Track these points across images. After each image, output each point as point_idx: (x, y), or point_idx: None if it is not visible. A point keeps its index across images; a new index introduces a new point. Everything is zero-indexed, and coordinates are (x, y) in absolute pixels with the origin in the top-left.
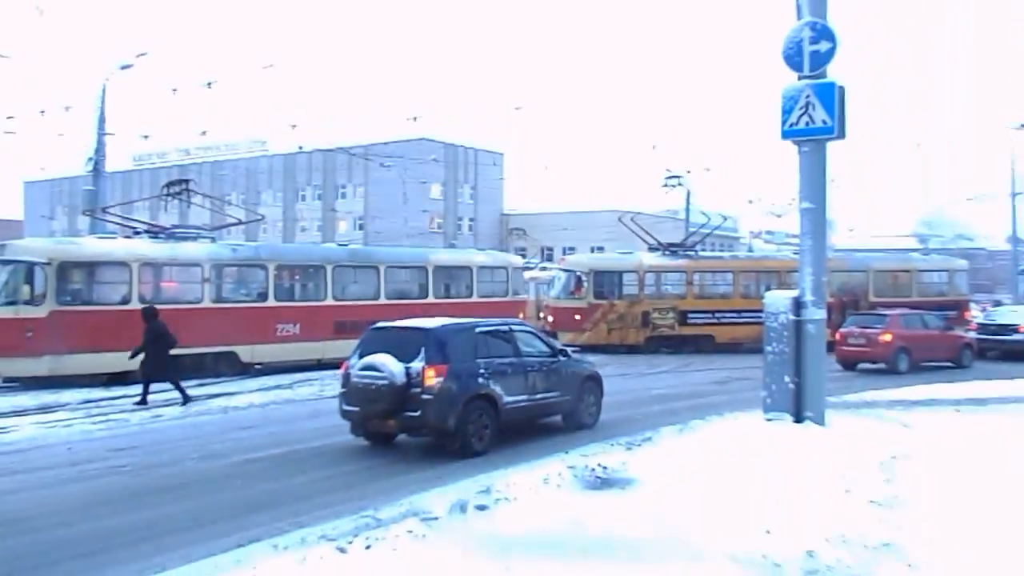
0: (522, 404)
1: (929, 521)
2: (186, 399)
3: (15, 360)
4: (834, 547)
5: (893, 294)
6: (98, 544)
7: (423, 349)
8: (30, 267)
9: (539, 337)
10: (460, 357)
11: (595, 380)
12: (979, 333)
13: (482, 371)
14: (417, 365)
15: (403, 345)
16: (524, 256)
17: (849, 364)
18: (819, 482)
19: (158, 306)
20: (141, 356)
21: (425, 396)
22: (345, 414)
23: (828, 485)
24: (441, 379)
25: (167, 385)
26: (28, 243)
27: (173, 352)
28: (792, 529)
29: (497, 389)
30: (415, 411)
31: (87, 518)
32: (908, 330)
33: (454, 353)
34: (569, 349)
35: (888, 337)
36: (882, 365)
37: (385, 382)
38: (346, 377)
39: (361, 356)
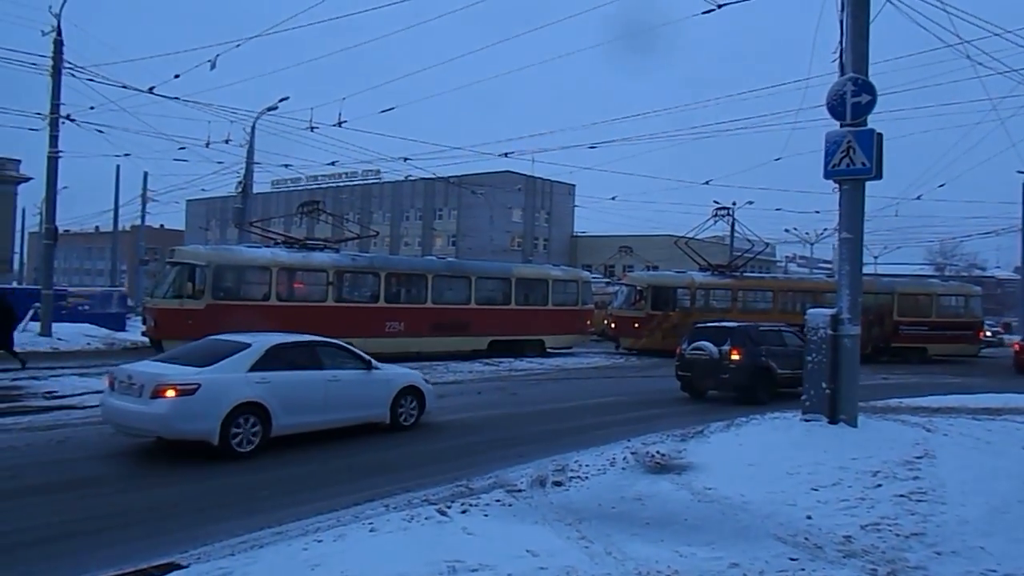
0: (788, 375)
1: (952, 513)
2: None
3: (178, 342)
4: (868, 534)
5: (915, 315)
6: (247, 494)
7: (729, 338)
8: (193, 268)
9: (796, 336)
10: (750, 344)
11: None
12: None
13: (763, 353)
14: (725, 348)
15: (716, 335)
16: (590, 272)
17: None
18: (853, 476)
19: (291, 304)
20: None
21: (731, 366)
22: (680, 377)
23: (861, 479)
24: (739, 356)
25: None
26: (192, 249)
27: None
28: (830, 516)
29: (773, 364)
30: (724, 375)
31: (236, 473)
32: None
33: (746, 341)
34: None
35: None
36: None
37: (707, 356)
38: (681, 355)
39: (690, 342)
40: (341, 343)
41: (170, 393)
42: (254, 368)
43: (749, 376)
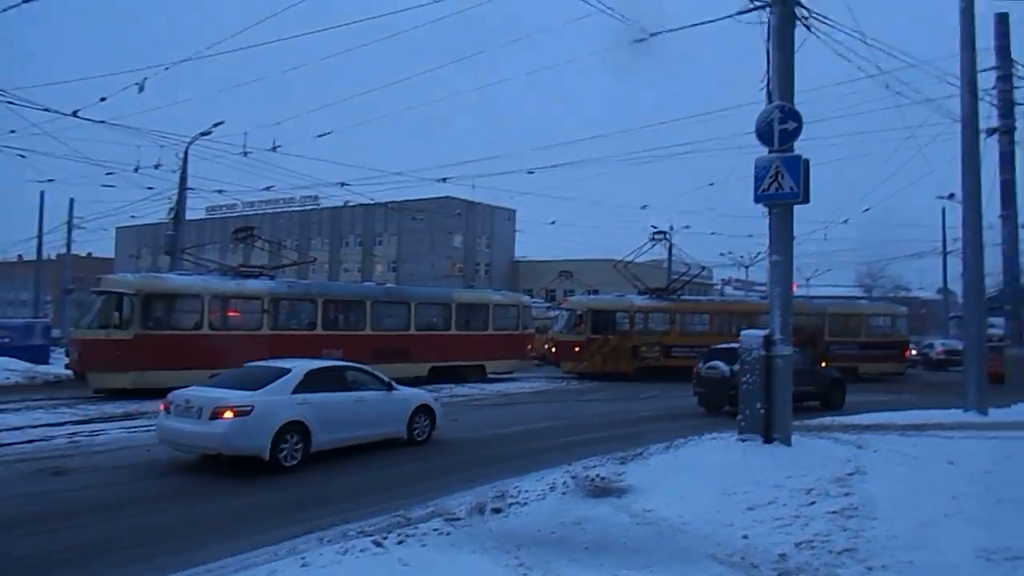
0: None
1: (882, 528)
2: None
3: (105, 375)
4: (802, 551)
5: (845, 335)
6: (175, 532)
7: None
8: (120, 297)
9: (800, 354)
10: None
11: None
12: None
13: None
14: (736, 367)
15: (727, 356)
16: (531, 296)
17: None
18: (788, 494)
19: (225, 332)
20: None
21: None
22: (696, 393)
23: (795, 497)
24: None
25: None
26: (119, 277)
27: None
28: (765, 535)
29: None
30: (734, 391)
31: (165, 509)
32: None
33: None
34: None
35: None
36: None
37: (719, 375)
38: (697, 373)
39: (705, 362)
40: (365, 367)
41: (228, 414)
42: (296, 391)
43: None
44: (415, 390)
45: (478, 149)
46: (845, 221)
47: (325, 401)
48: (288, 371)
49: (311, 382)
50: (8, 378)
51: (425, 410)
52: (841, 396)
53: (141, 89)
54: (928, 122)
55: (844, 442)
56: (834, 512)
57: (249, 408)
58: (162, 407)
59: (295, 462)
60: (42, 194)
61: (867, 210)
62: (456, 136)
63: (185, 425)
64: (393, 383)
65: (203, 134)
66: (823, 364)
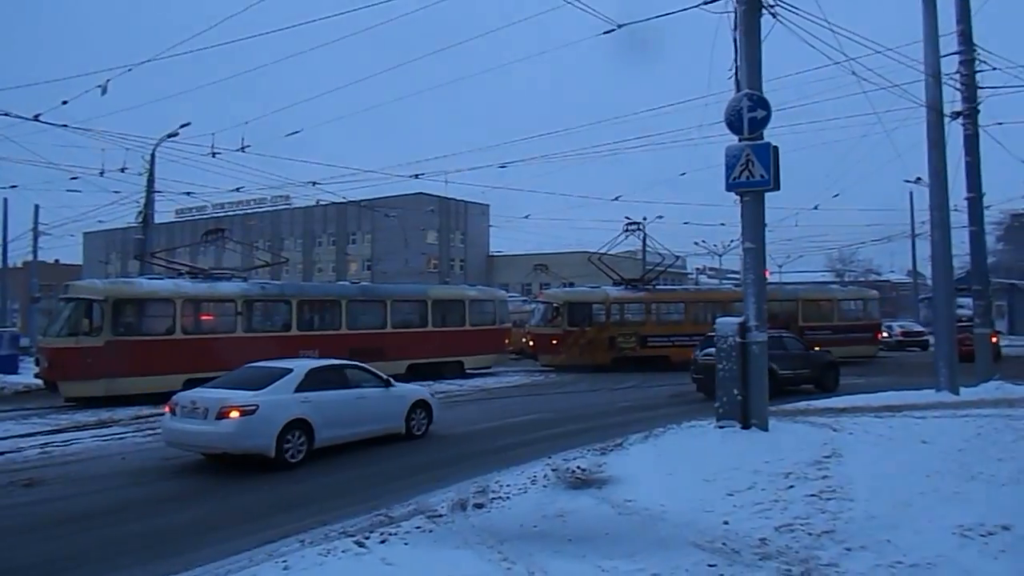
0: (788, 375)
1: (860, 509)
2: None
3: (76, 383)
4: (782, 535)
5: (818, 319)
6: (150, 539)
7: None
8: (89, 303)
9: (797, 340)
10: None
11: None
12: None
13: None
14: None
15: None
16: (507, 291)
17: None
18: (766, 478)
19: (198, 336)
20: None
21: (718, 371)
22: (694, 380)
23: (774, 481)
24: None
25: None
26: (87, 283)
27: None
28: (746, 520)
29: (775, 366)
30: None
31: (141, 518)
32: None
33: None
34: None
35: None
36: None
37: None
38: (695, 360)
39: (702, 349)
40: (363, 365)
41: (234, 414)
42: (298, 389)
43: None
44: (412, 386)
45: (449, 145)
46: (815, 207)
47: (327, 399)
48: (290, 370)
49: (312, 381)
50: None
51: (422, 405)
52: (835, 378)
53: (104, 91)
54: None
55: (820, 425)
56: (813, 495)
57: (254, 407)
58: (167, 409)
59: (299, 459)
60: (5, 200)
61: (836, 196)
62: (426, 133)
63: (192, 426)
64: (391, 380)
65: (170, 136)
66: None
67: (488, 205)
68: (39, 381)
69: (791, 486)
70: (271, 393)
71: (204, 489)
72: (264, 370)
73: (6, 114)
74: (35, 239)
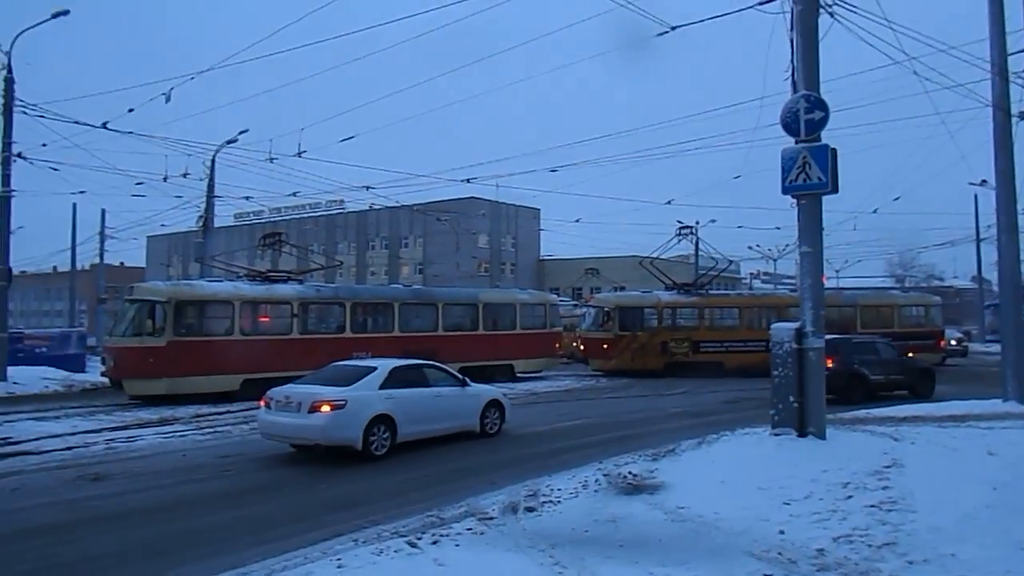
0: (881, 380)
1: (923, 521)
2: None
3: (139, 381)
4: (840, 546)
5: (877, 326)
6: (209, 535)
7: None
8: (152, 305)
9: (891, 347)
10: (842, 353)
11: None
12: None
13: (856, 361)
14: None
15: None
16: (558, 295)
17: None
18: (824, 488)
19: (255, 337)
20: None
21: (825, 372)
22: None
23: (832, 491)
24: (832, 363)
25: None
26: (150, 286)
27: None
28: (803, 530)
29: (866, 371)
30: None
31: (200, 513)
32: None
33: (839, 350)
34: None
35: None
36: None
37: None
38: None
39: None
40: (440, 365)
41: (325, 408)
42: (382, 386)
43: (843, 380)
44: (487, 386)
45: (500, 149)
46: (875, 211)
47: (408, 396)
48: (374, 369)
49: (395, 379)
50: (47, 387)
51: (496, 405)
52: (931, 385)
53: (168, 99)
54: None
55: (880, 435)
56: (872, 506)
57: (343, 402)
58: (262, 403)
59: (384, 451)
60: (74, 206)
61: (897, 199)
62: (478, 137)
63: (286, 419)
64: (467, 380)
65: (229, 142)
66: None
67: (539, 209)
68: (105, 379)
69: (850, 496)
70: (358, 389)
71: (261, 487)
72: (350, 368)
73: (75, 122)
74: (102, 242)
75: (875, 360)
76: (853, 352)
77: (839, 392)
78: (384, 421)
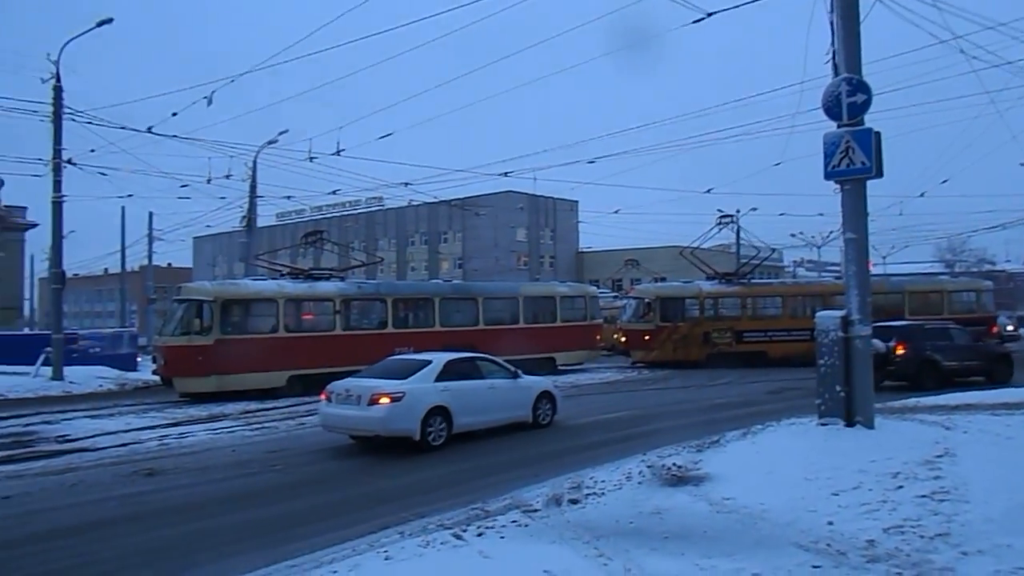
0: (954, 366)
1: (977, 512)
2: None
3: (189, 379)
4: (891, 537)
5: (927, 313)
6: (257, 528)
7: (895, 335)
8: (199, 304)
9: (965, 332)
10: (914, 339)
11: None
12: None
13: (927, 348)
14: (891, 343)
15: (884, 333)
16: (597, 287)
17: None
18: (873, 478)
19: (299, 334)
20: None
21: (897, 359)
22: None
23: (881, 481)
24: (904, 350)
25: (311, 398)
26: (197, 286)
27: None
28: (852, 521)
29: (939, 357)
30: (891, 367)
31: (251, 507)
32: None
33: (911, 337)
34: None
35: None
36: None
37: (875, 351)
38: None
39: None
40: (493, 358)
41: (384, 400)
42: (438, 379)
43: (914, 367)
44: (538, 378)
45: (537, 142)
46: (922, 194)
47: (463, 388)
48: (430, 362)
49: (449, 371)
50: (101, 385)
51: (547, 396)
52: (1009, 370)
53: (209, 103)
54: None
55: (931, 423)
56: (924, 496)
57: (401, 395)
58: (323, 396)
59: (440, 442)
60: (123, 209)
61: (945, 182)
62: (515, 131)
63: (347, 411)
64: (519, 372)
65: (270, 143)
66: None
67: (577, 201)
68: (156, 377)
69: (900, 486)
70: (414, 382)
71: (308, 481)
72: (406, 361)
73: (122, 127)
74: (150, 244)
75: (948, 346)
76: (925, 338)
77: (910, 379)
78: (440, 412)
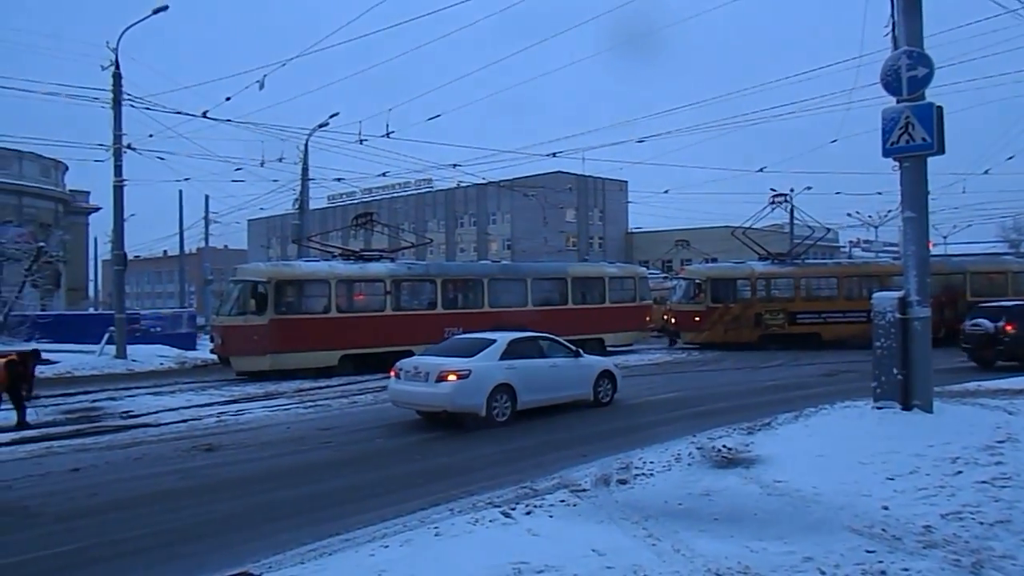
0: None
1: None
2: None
3: (245, 358)
4: (949, 523)
5: (989, 293)
6: (314, 502)
7: (1004, 315)
8: (254, 285)
9: None
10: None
11: None
12: None
13: None
14: (1000, 323)
15: (993, 313)
16: (647, 268)
17: None
18: (931, 463)
19: (351, 314)
20: None
21: (1006, 339)
22: (964, 349)
23: (939, 466)
24: (1013, 329)
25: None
26: (252, 267)
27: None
28: (908, 506)
29: None
30: (1000, 346)
31: (305, 483)
32: None
33: (1020, 317)
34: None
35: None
36: None
37: (982, 331)
38: (962, 330)
39: (970, 320)
40: (554, 337)
41: (451, 377)
42: (502, 357)
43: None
44: (599, 357)
45: (586, 122)
46: (986, 171)
47: (526, 366)
48: (494, 341)
49: (513, 350)
50: (162, 364)
51: (608, 375)
52: None
53: (261, 87)
54: None
55: (993, 408)
56: (984, 482)
57: (468, 372)
58: (392, 373)
59: (505, 418)
60: (180, 193)
61: (1011, 158)
62: (563, 111)
63: (415, 387)
64: (580, 351)
65: (321, 126)
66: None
67: (626, 181)
68: (214, 356)
69: (959, 472)
70: (480, 360)
71: (360, 458)
72: (471, 340)
73: (178, 112)
74: (207, 227)
75: None
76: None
77: (1020, 359)
78: (505, 390)
